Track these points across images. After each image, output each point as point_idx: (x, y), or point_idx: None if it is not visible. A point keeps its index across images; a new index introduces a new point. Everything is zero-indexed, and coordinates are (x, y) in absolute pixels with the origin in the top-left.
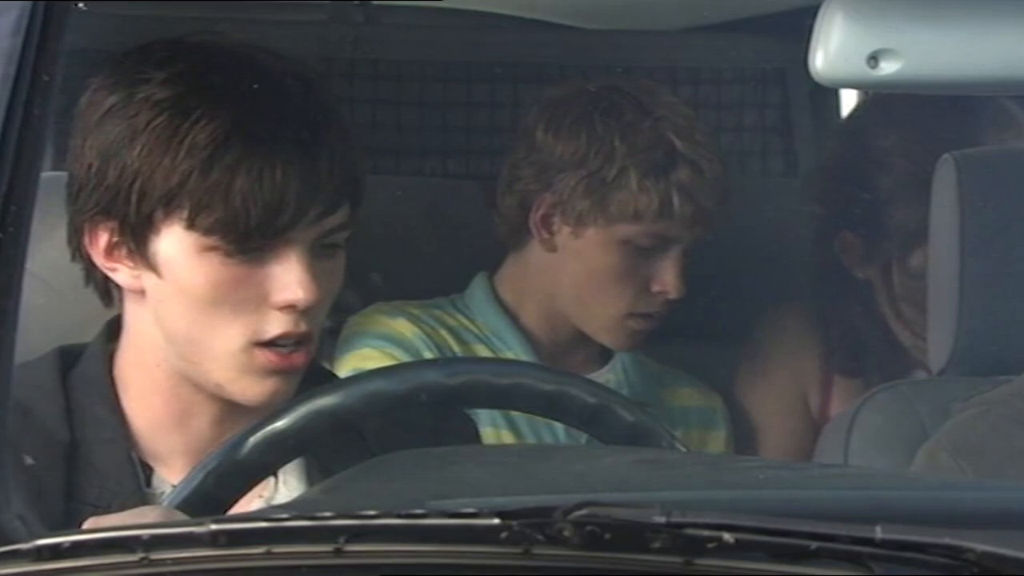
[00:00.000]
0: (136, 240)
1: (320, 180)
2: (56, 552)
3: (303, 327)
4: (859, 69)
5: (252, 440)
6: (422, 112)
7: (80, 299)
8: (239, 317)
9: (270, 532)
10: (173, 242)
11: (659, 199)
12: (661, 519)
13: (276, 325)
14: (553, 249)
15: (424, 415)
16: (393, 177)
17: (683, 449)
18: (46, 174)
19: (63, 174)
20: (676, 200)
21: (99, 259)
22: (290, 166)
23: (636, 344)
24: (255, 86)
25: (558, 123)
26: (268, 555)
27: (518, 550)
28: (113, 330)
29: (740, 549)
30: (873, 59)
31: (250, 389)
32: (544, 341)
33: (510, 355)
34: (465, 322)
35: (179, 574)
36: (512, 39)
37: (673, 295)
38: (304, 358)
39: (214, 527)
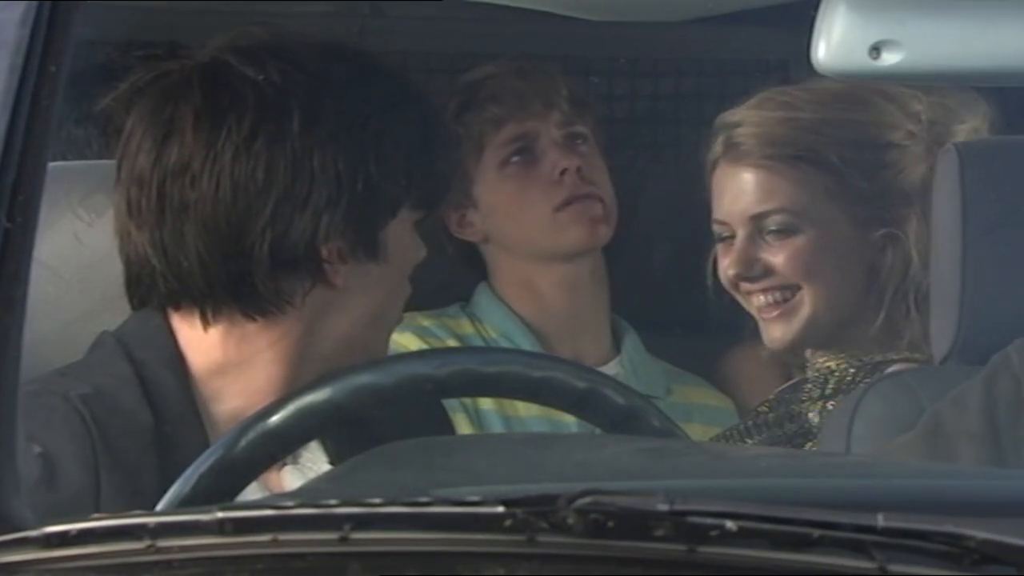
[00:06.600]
0: None
1: None
2: (64, 539)
3: None
4: (861, 60)
5: (244, 438)
6: None
7: (87, 287)
8: None
9: (276, 520)
10: None
11: (497, 108)
12: (664, 507)
13: None
14: (486, 240)
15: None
16: None
17: (679, 433)
18: (53, 164)
19: (70, 164)
20: (514, 101)
21: None
22: None
23: (591, 237)
24: None
25: None
26: (274, 543)
27: (522, 538)
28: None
29: (743, 537)
30: (875, 50)
31: None
32: (551, 336)
33: None
34: (478, 327)
35: (186, 561)
36: (516, 31)
37: (572, 164)
38: None
39: (220, 515)
